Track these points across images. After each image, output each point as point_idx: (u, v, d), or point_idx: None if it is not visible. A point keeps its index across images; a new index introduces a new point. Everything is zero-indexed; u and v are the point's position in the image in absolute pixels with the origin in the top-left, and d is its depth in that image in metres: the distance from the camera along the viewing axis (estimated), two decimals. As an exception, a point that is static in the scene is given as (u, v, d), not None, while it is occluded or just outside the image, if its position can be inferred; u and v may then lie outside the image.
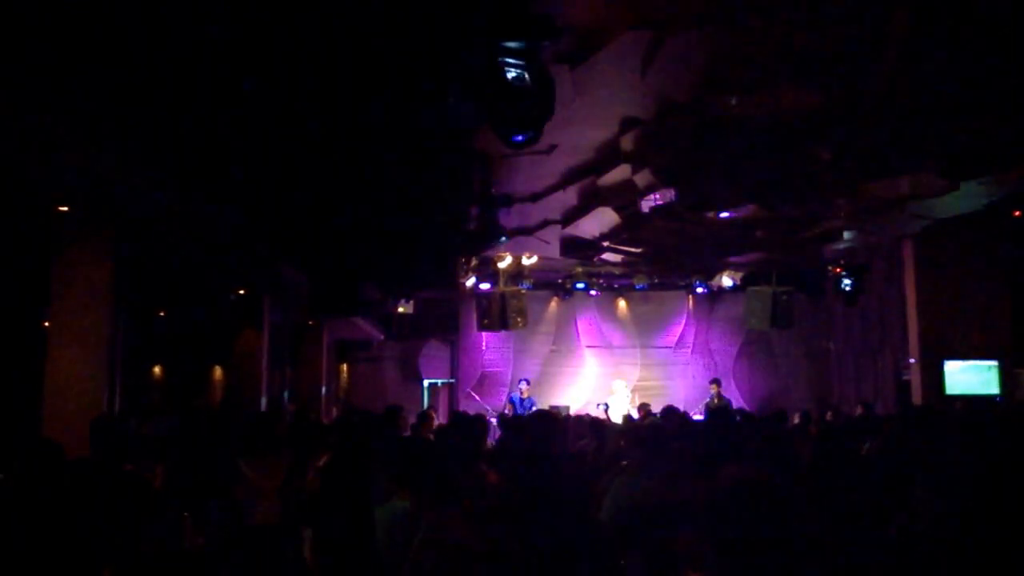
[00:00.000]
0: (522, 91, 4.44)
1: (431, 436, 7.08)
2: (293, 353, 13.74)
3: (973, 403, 11.12)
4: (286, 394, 12.66)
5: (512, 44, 4.34)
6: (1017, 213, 10.61)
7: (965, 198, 9.37)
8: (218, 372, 13.34)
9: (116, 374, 7.92)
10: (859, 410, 11.69)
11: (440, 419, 11.58)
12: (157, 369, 12.89)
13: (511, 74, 4.32)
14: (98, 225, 7.79)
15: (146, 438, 7.16)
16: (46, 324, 8.14)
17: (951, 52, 6.04)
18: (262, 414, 9.32)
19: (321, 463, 5.46)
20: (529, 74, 4.39)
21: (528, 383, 15.08)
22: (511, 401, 14.82)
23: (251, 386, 11.49)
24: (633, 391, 15.60)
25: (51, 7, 4.26)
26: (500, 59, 4.44)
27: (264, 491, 5.63)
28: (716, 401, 13.90)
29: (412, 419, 8.00)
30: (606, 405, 13.53)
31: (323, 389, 14.73)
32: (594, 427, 7.52)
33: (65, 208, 7.33)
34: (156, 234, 8.56)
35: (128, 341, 8.28)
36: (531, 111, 4.54)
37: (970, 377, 12.28)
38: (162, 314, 12.06)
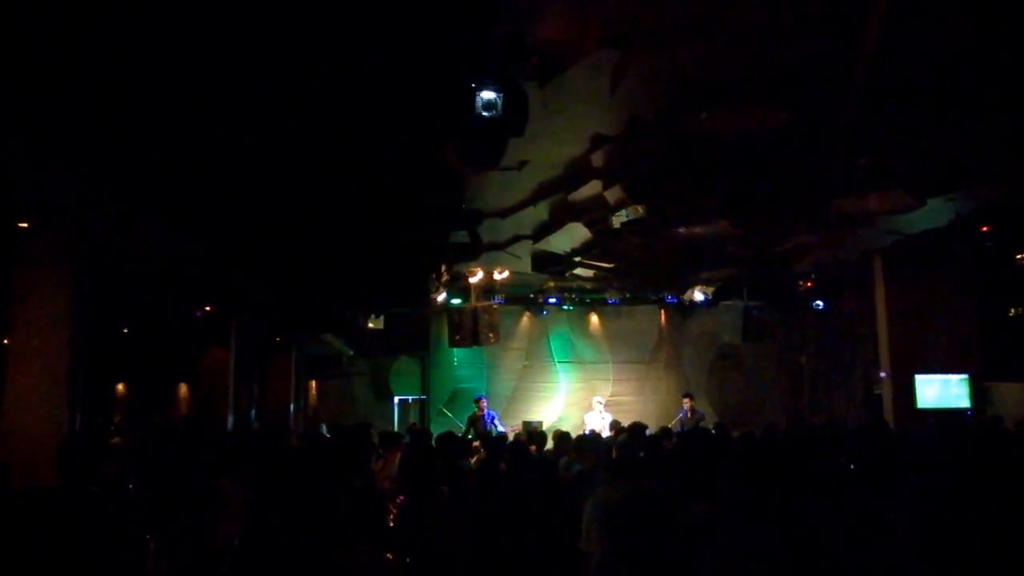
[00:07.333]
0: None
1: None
2: (261, 370, 13.55)
3: (943, 418, 11.22)
4: (253, 412, 12.48)
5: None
6: (984, 228, 10.72)
7: (933, 214, 9.46)
8: (184, 389, 13.12)
9: (77, 392, 7.74)
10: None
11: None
12: (121, 386, 12.65)
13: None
14: (60, 242, 7.62)
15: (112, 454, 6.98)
16: (5, 342, 7.96)
17: (918, 70, 6.08)
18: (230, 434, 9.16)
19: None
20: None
21: (485, 398, 14.86)
22: (470, 420, 14.48)
23: (218, 403, 11.32)
24: (605, 406, 15.51)
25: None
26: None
27: (229, 513, 5.49)
28: (690, 415, 13.86)
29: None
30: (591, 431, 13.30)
31: (291, 406, 14.54)
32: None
33: (25, 224, 7.16)
34: (120, 251, 8.39)
35: (91, 358, 8.09)
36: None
37: (940, 391, 12.37)
38: (126, 331, 11.84)
